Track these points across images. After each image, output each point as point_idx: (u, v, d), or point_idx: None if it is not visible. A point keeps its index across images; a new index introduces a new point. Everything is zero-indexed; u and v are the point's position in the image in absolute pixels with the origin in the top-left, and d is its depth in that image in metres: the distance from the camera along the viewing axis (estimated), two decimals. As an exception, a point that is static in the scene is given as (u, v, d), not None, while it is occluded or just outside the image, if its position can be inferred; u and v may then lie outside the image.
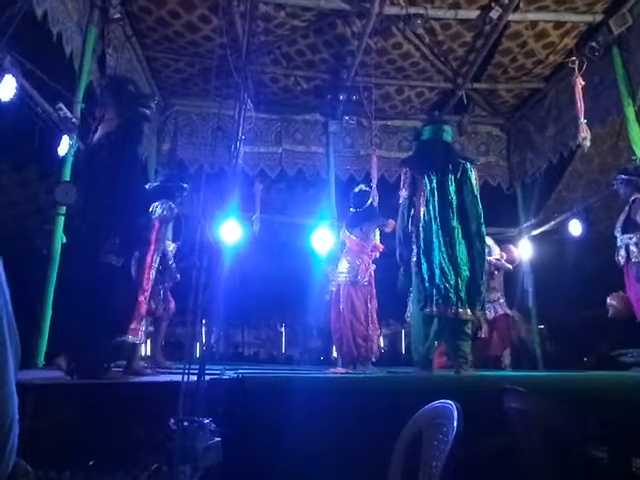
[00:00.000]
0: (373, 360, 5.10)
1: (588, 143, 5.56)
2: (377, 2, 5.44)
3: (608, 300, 4.90)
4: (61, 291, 3.45)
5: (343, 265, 5.18)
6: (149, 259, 3.87)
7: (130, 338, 3.60)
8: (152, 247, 3.90)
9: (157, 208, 4.03)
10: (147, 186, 4.23)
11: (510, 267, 6.50)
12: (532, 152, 7.56)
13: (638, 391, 2.98)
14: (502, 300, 6.23)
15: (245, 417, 2.33)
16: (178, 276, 4.36)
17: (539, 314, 7.66)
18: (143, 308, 3.79)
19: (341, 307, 5.05)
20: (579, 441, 1.73)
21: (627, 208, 4.65)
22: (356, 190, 5.46)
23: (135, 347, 3.69)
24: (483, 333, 5.91)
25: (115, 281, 2.92)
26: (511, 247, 6.80)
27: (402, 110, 7.80)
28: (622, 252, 4.57)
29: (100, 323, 2.83)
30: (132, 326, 3.59)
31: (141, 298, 3.75)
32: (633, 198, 4.60)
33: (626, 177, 4.73)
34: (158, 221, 4.01)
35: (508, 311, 6.24)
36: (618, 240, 4.65)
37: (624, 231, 4.61)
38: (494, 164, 8.12)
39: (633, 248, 4.46)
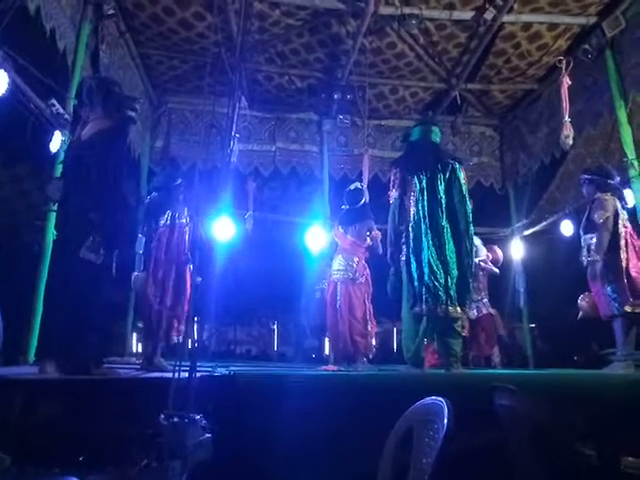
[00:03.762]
0: (370, 357, 5.16)
1: (571, 141, 5.59)
2: (372, 2, 5.45)
3: (579, 301, 4.94)
4: (46, 287, 3.47)
5: (338, 263, 5.21)
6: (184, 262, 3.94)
7: (175, 339, 3.85)
8: (177, 252, 3.98)
9: (167, 215, 4.07)
10: (147, 200, 4.32)
11: (497, 271, 6.54)
12: (524, 153, 7.60)
13: (627, 389, 3.01)
14: (485, 300, 6.28)
15: (236, 414, 2.33)
16: (199, 279, 4.38)
17: (530, 313, 7.71)
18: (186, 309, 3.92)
19: (338, 305, 5.07)
20: (568, 439, 1.75)
21: (588, 208, 4.71)
22: (351, 187, 5.50)
23: (156, 345, 3.86)
24: (465, 332, 5.93)
25: (94, 278, 2.93)
26: (495, 247, 6.84)
27: (396, 110, 7.81)
28: (584, 252, 4.64)
29: (83, 319, 2.84)
30: (181, 327, 3.83)
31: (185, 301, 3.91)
32: (593, 198, 4.66)
33: (588, 177, 4.79)
34: (176, 227, 4.04)
35: (492, 310, 6.29)
36: (582, 240, 4.71)
37: (585, 231, 4.67)
38: (487, 164, 8.15)
39: (593, 247, 4.50)
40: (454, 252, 3.93)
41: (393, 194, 4.27)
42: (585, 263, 4.62)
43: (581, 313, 4.88)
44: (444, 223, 3.96)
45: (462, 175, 4.15)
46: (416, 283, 3.91)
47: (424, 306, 3.84)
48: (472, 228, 4.07)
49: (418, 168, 4.10)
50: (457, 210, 4.01)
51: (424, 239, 3.93)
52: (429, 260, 3.87)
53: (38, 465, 1.81)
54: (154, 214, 4.12)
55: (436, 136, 4.34)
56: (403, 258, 4.08)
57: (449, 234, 3.95)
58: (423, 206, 3.99)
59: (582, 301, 4.87)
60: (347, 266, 5.15)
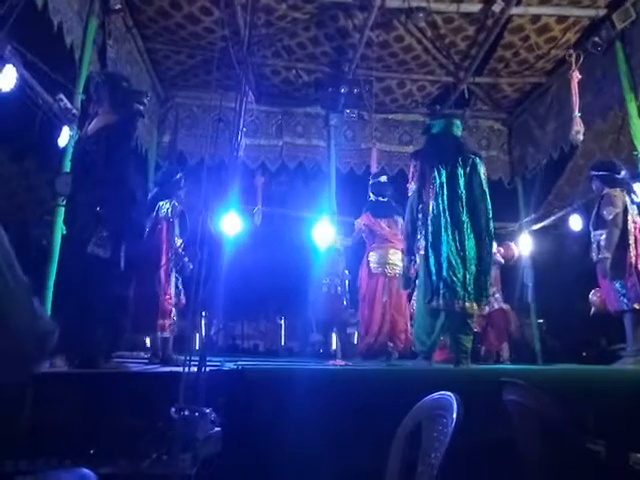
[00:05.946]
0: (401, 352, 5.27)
1: (581, 137, 5.55)
2: (379, -6, 5.42)
3: (590, 296, 4.88)
4: (55, 282, 3.49)
5: (383, 256, 5.23)
6: (164, 258, 3.93)
7: (159, 334, 3.84)
8: (164, 246, 3.96)
9: (162, 209, 4.07)
10: (149, 195, 4.31)
11: (502, 261, 6.48)
12: (533, 147, 7.55)
13: (636, 385, 2.99)
14: (498, 295, 6.21)
15: (245, 408, 2.34)
16: (190, 266, 4.38)
17: (539, 308, 7.68)
18: (167, 305, 3.91)
19: (385, 301, 5.13)
20: (577, 434, 1.74)
21: (597, 204, 4.66)
22: (381, 179, 5.53)
23: (167, 339, 3.87)
24: (477, 327, 5.91)
25: (102, 273, 2.94)
26: (511, 244, 6.78)
27: (403, 104, 7.77)
28: (594, 248, 4.59)
29: (92, 314, 2.86)
30: (160, 322, 3.81)
31: (166, 296, 3.91)
32: (602, 194, 4.60)
33: (596, 172, 4.73)
34: (164, 221, 4.05)
35: (504, 305, 6.24)
36: (592, 236, 4.66)
37: (595, 227, 4.62)
38: (495, 158, 8.09)
39: (603, 244, 4.47)
40: (474, 248, 3.87)
41: (411, 187, 4.23)
42: (595, 259, 4.58)
43: (593, 309, 4.84)
44: (464, 218, 3.89)
45: (482, 170, 4.06)
46: (434, 277, 3.84)
47: (441, 301, 3.78)
48: (492, 224, 3.99)
49: (438, 161, 4.03)
50: (477, 205, 3.92)
51: (444, 233, 3.86)
52: (448, 255, 3.80)
53: (50, 457, 1.83)
54: (151, 210, 4.13)
55: (458, 130, 4.26)
56: (421, 252, 4.03)
57: (469, 229, 3.88)
58: (443, 200, 3.92)
59: (594, 296, 4.83)
60: (393, 261, 5.17)
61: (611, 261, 4.38)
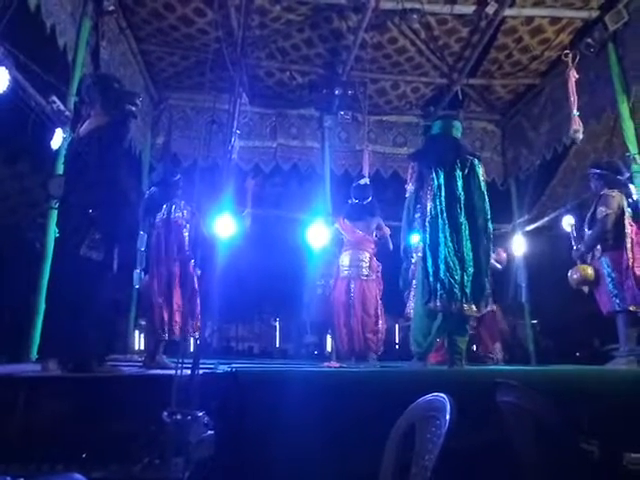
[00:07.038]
0: (379, 353, 5.22)
1: (580, 136, 5.57)
2: (373, -4, 5.43)
3: (569, 275, 4.74)
4: (48, 285, 3.48)
5: (348, 259, 5.24)
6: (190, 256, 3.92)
7: (191, 335, 3.82)
8: (185, 246, 3.95)
9: (179, 211, 4.05)
10: (147, 194, 4.29)
11: (499, 267, 6.51)
12: (526, 148, 7.58)
13: (629, 385, 3.00)
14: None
15: (238, 410, 2.33)
16: (198, 271, 4.38)
17: (532, 309, 7.71)
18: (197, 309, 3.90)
19: (351, 302, 5.13)
20: (571, 435, 1.74)
21: (594, 204, 4.64)
22: (361, 182, 5.57)
23: (159, 343, 3.83)
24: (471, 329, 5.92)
25: (95, 276, 2.93)
26: (500, 250, 6.78)
27: (397, 105, 7.79)
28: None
29: (85, 317, 2.85)
30: (188, 326, 3.79)
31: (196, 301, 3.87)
32: (600, 194, 4.60)
33: (598, 171, 4.72)
34: (182, 221, 4.04)
35: (494, 307, 6.27)
36: (585, 235, 4.66)
37: (590, 227, 4.61)
38: (488, 160, 8.09)
39: (585, 238, 4.49)
40: (471, 249, 3.84)
41: (410, 188, 4.22)
42: (589, 259, 4.60)
43: (586, 288, 4.71)
44: (462, 219, 3.85)
45: (481, 171, 4.04)
46: (431, 279, 3.82)
47: (438, 302, 3.76)
48: (490, 225, 3.96)
49: (436, 163, 4.00)
50: (475, 206, 3.89)
51: (441, 235, 3.83)
52: (445, 256, 3.78)
53: (42, 462, 1.82)
54: (152, 209, 4.10)
55: (457, 131, 4.22)
56: (419, 253, 4.03)
57: (467, 231, 3.85)
58: (441, 201, 3.89)
59: (574, 274, 4.72)
60: (359, 262, 5.19)
61: (606, 260, 4.42)
